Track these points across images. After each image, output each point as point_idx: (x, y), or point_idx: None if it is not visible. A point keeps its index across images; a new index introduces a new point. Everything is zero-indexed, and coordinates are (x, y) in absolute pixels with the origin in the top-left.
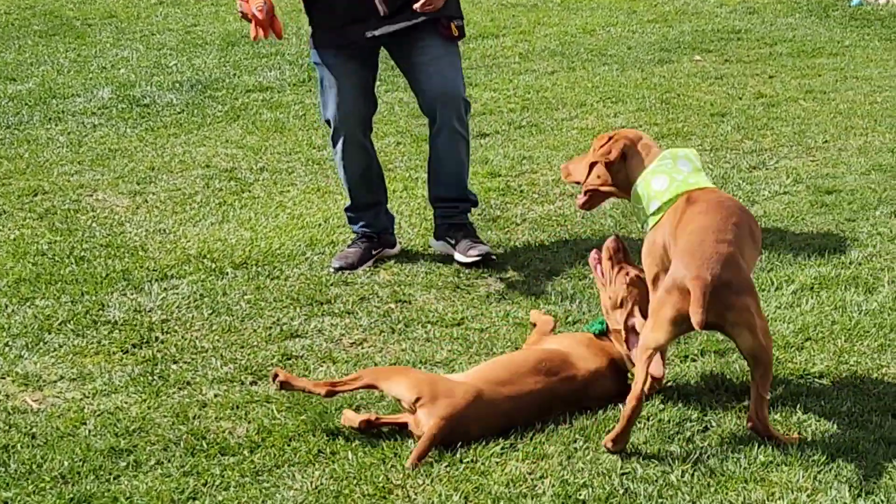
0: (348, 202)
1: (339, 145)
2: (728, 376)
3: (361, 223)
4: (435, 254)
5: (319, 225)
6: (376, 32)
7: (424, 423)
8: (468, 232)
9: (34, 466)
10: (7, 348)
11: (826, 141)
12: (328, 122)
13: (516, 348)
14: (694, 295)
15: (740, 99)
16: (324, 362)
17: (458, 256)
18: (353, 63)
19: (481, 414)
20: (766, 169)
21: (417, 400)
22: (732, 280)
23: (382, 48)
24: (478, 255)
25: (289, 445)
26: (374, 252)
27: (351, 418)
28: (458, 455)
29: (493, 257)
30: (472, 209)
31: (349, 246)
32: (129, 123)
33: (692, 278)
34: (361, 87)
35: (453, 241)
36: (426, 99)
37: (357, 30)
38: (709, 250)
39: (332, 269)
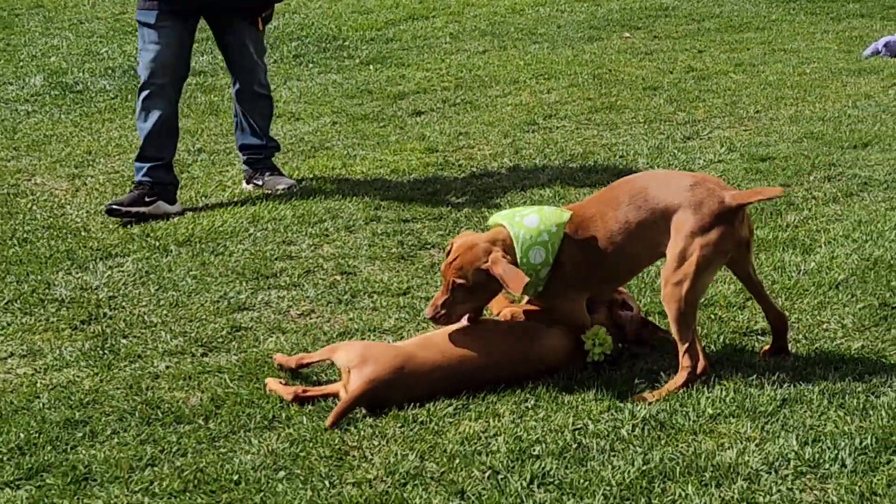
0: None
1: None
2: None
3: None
4: (377, 227)
5: (261, 202)
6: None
7: (351, 384)
8: (274, 170)
9: None
10: None
11: (758, 111)
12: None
13: None
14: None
15: (671, 73)
16: (273, 333)
17: (267, 190)
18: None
19: (408, 379)
20: (700, 139)
21: (350, 364)
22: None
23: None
24: (286, 187)
25: (244, 413)
26: (147, 199)
27: (278, 390)
28: (410, 416)
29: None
30: (276, 153)
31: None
32: (62, 110)
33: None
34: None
35: (260, 183)
36: (233, 68)
37: None
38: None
39: (104, 209)
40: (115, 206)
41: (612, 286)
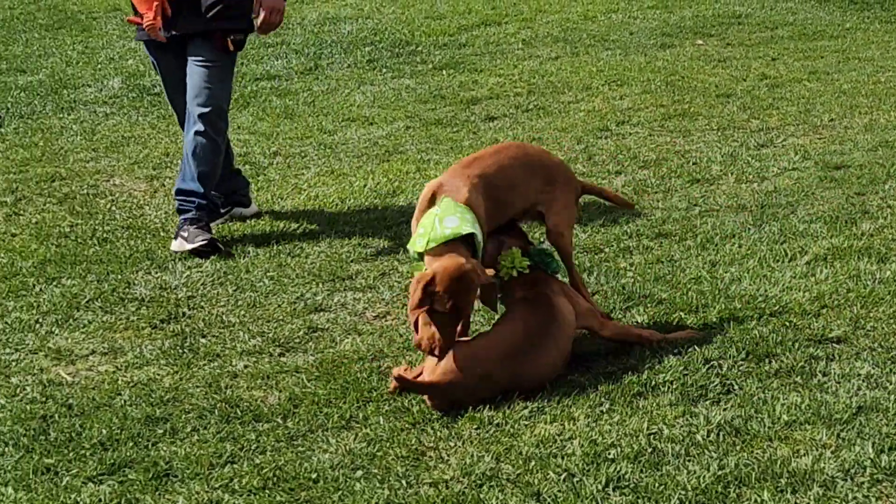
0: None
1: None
2: (746, 341)
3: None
4: None
5: (336, 205)
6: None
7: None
8: (198, 223)
9: (73, 434)
10: (38, 325)
11: (832, 119)
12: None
13: None
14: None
15: (744, 80)
16: (349, 334)
17: (176, 246)
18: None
19: (482, 384)
20: (774, 147)
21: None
22: None
23: None
24: (203, 241)
25: (321, 412)
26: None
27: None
28: (486, 418)
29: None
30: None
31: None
32: (140, 112)
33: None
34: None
35: (185, 234)
36: (189, 98)
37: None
38: None
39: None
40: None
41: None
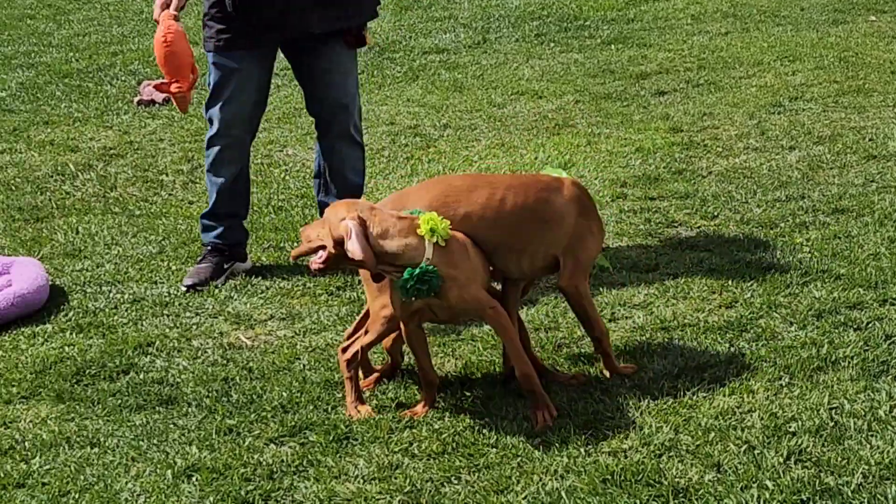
0: (209, 209)
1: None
2: None
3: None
4: (623, 204)
5: None
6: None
7: None
8: None
9: (254, 397)
10: (217, 290)
11: None
12: (211, 120)
13: (712, 293)
14: None
15: None
16: (524, 305)
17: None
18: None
19: None
20: None
21: None
22: None
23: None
24: None
25: (498, 380)
26: (225, 266)
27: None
28: (664, 389)
29: None
30: None
31: (199, 261)
32: None
33: None
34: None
35: None
36: (324, 106)
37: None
38: None
39: (182, 287)
40: (194, 286)
41: None
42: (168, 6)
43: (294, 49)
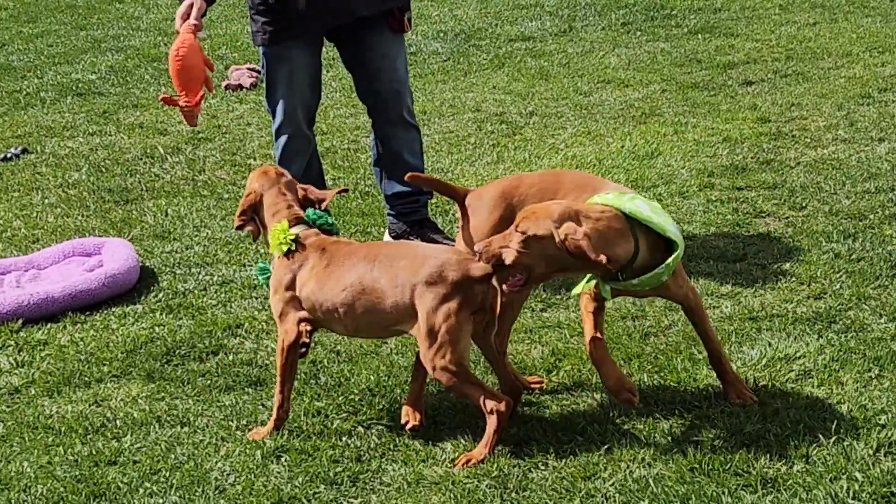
0: None
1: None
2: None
3: None
4: (711, 193)
5: (594, 165)
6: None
7: None
8: (432, 227)
9: (342, 380)
10: None
11: None
12: (274, 113)
13: (801, 283)
14: None
15: None
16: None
17: None
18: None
19: None
20: None
21: None
22: None
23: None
24: None
25: (585, 367)
26: None
27: None
28: (752, 380)
29: None
30: (430, 201)
31: None
32: None
33: None
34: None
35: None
36: (376, 93)
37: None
38: None
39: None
40: None
41: None
42: (189, 17)
43: (341, 37)
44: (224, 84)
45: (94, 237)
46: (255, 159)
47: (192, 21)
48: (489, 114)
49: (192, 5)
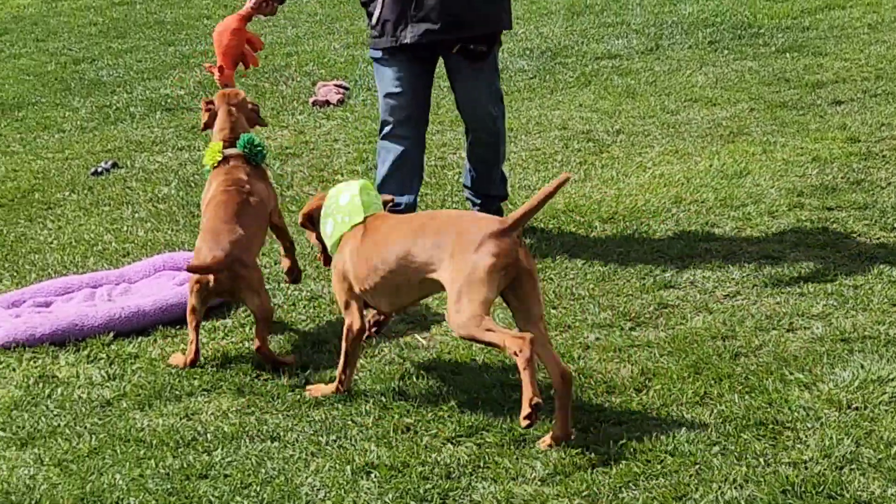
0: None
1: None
2: None
3: None
4: (800, 213)
5: (682, 184)
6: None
7: None
8: None
9: (431, 396)
10: None
11: None
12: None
13: (893, 305)
14: None
15: None
16: (699, 312)
17: None
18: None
19: None
20: None
21: None
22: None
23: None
24: None
25: (675, 387)
26: None
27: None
28: (844, 401)
29: None
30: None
31: None
32: None
33: None
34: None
35: None
36: (470, 115)
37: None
38: None
39: None
40: None
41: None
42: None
43: (441, 58)
44: (311, 100)
45: (185, 251)
46: (342, 175)
47: (248, 5)
48: (576, 131)
49: None
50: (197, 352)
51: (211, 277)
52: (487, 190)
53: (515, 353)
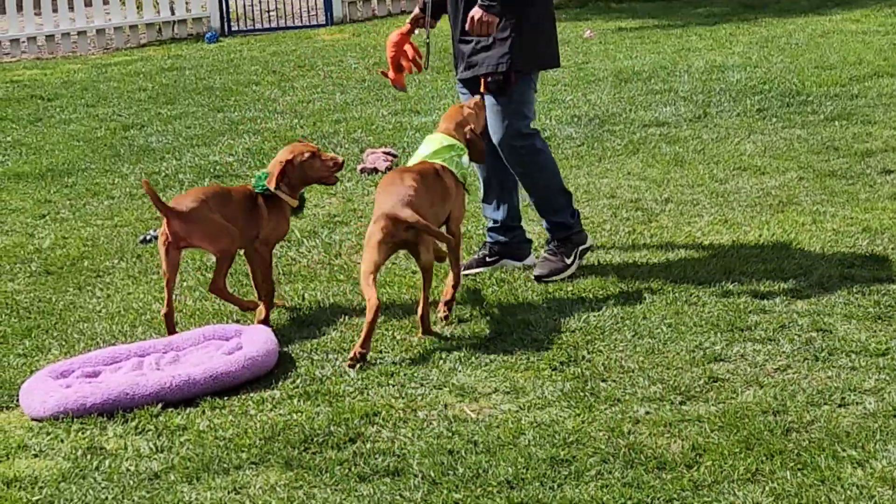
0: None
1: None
2: None
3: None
4: (851, 285)
5: (731, 254)
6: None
7: None
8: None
9: (480, 471)
10: (441, 361)
11: None
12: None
13: None
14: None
15: None
16: (750, 386)
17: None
18: None
19: None
20: None
21: None
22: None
23: None
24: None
25: (726, 463)
26: (488, 260)
27: None
28: None
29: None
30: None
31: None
32: None
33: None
34: None
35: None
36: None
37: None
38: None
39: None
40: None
41: None
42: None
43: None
44: (359, 167)
45: (234, 323)
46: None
47: (407, 22)
48: (624, 200)
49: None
50: None
51: None
52: (544, 215)
53: None
